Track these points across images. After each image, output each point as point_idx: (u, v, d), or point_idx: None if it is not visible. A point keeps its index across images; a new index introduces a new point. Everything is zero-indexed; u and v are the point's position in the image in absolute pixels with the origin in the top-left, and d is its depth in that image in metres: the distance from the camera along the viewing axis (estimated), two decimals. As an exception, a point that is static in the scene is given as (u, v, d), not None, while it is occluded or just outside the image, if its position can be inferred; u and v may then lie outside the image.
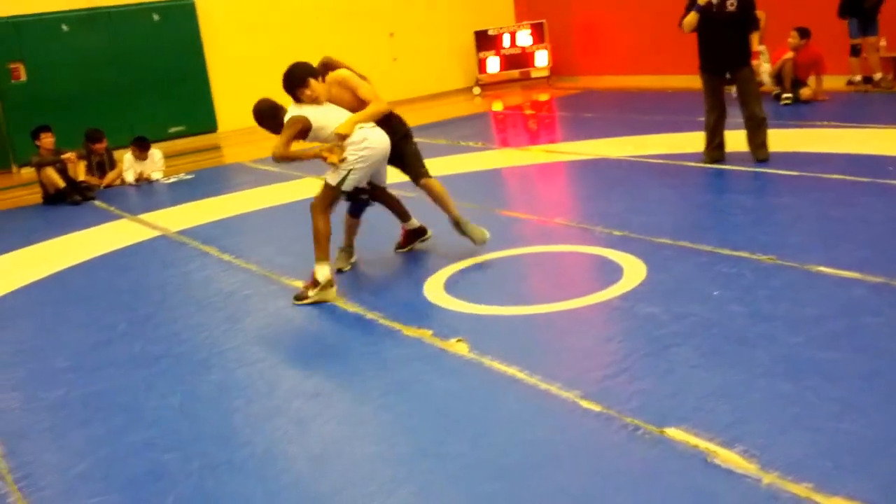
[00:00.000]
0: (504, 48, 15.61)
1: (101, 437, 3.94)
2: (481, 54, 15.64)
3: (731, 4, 7.45)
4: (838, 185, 6.72)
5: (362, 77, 5.68)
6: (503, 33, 15.60)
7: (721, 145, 7.82)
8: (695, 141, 8.53)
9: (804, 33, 10.65)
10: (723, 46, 7.52)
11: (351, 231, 6.03)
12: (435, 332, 4.65)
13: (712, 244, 5.51)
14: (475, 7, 16.14)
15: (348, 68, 5.67)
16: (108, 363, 4.83)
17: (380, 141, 5.51)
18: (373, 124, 5.52)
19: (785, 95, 10.70)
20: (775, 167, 7.40)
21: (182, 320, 5.43)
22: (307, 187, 8.93)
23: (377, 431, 3.71)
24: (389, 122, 5.75)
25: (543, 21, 15.47)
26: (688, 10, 7.62)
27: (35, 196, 10.19)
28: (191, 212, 8.57)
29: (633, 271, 5.20)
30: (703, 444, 3.24)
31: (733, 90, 8.02)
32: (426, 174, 5.89)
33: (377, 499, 3.18)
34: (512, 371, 4.06)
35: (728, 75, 7.72)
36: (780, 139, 7.91)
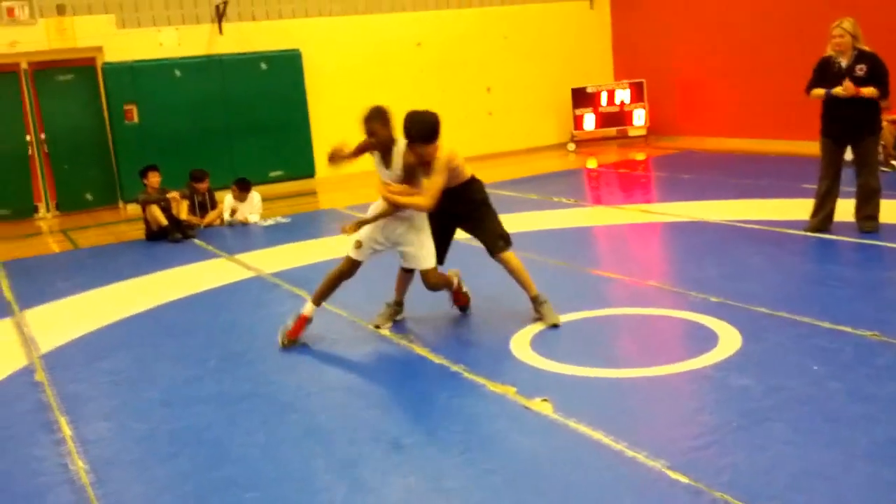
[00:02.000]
0: (601, 106, 15.59)
1: (186, 472, 4.01)
2: (578, 111, 15.65)
3: (861, 69, 7.11)
4: (948, 262, 6.44)
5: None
6: (601, 91, 15.59)
7: (830, 216, 7.52)
8: (797, 208, 8.33)
9: None
10: (848, 114, 7.21)
11: (401, 286, 5.98)
12: (519, 389, 4.60)
13: (812, 316, 5.33)
14: (573, 64, 16.21)
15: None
16: (197, 399, 4.93)
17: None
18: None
19: (892, 162, 10.36)
20: (882, 239, 7.14)
21: (270, 361, 5.52)
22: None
23: (458, 487, 3.67)
24: (470, 186, 5.75)
25: (643, 80, 15.42)
26: (815, 75, 7.36)
27: (139, 232, 10.59)
28: (285, 254, 8.76)
29: (728, 340, 5.06)
30: (797, 526, 3.11)
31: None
32: (504, 247, 5.74)
33: (454, 557, 3.13)
34: (597, 435, 3.98)
35: (850, 145, 7.44)
36: (889, 210, 7.63)
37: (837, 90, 7.13)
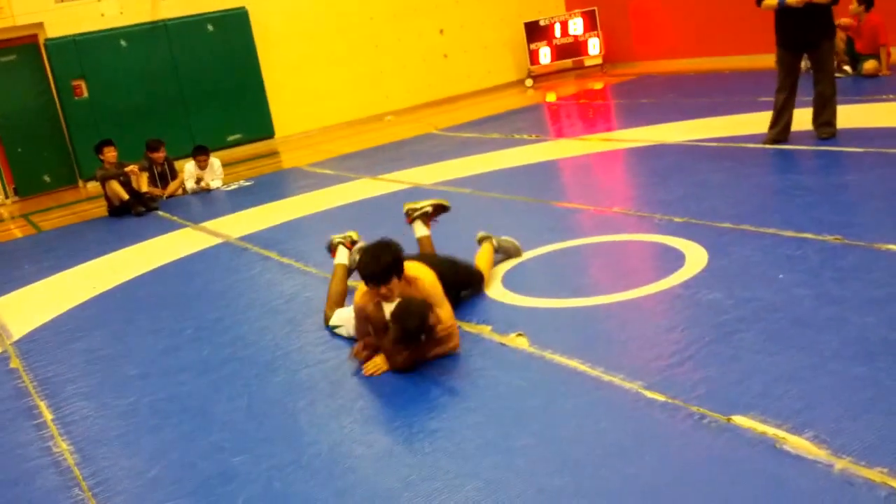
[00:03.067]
0: (556, 38, 15.49)
1: (172, 442, 4.02)
2: (532, 45, 15.54)
3: None
4: (906, 160, 6.53)
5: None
6: (554, 23, 15.48)
7: (787, 127, 7.56)
8: (754, 122, 8.37)
9: (867, 3, 10.33)
10: (803, 22, 7.17)
11: None
12: (494, 327, 4.65)
13: (775, 226, 5.39)
14: (525, -2, 16.06)
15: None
16: (176, 369, 4.93)
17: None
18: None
19: (845, 67, 10.42)
20: (839, 145, 7.21)
21: (247, 324, 5.52)
22: (364, 188, 9.02)
23: (441, 427, 3.72)
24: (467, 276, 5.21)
25: (595, 8, 15.31)
26: None
27: (101, 209, 10.47)
28: (251, 218, 8.70)
29: (695, 258, 5.12)
30: (772, 430, 3.18)
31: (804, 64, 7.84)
32: (480, 282, 5.25)
33: (444, 494, 3.19)
34: (574, 364, 4.03)
35: (807, 53, 7.48)
36: (843, 115, 7.69)
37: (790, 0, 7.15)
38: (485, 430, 3.61)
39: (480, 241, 5.64)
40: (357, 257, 4.93)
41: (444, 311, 4.41)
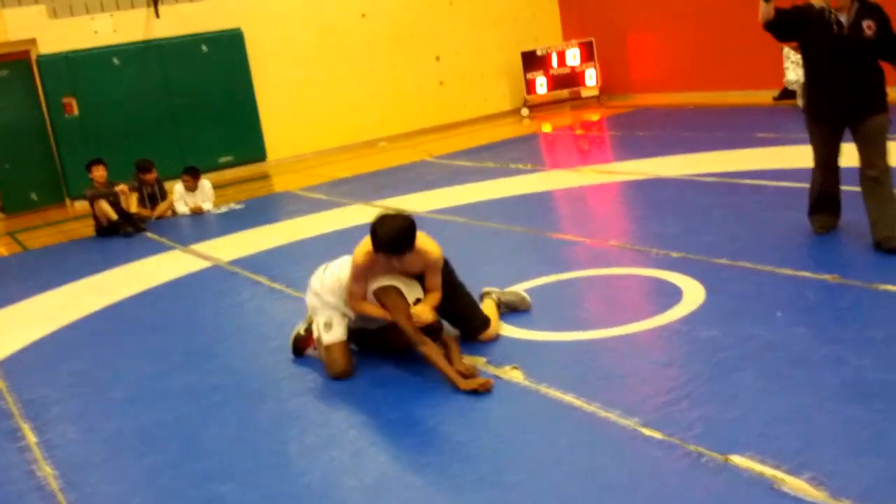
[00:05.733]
0: (553, 68, 15.54)
1: (159, 469, 3.94)
2: (529, 75, 15.59)
3: (869, 27, 5.25)
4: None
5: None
6: (551, 53, 15.54)
7: (832, 213, 5.86)
8: (752, 158, 8.39)
9: None
10: (848, 87, 5.35)
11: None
12: (489, 359, 4.59)
13: (772, 264, 5.37)
14: (522, 27, 16.12)
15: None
16: (164, 394, 4.85)
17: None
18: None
19: None
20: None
21: (235, 350, 5.44)
22: (355, 214, 8.97)
23: (434, 461, 3.65)
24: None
25: (592, 39, 15.39)
26: (786, 19, 5.49)
27: (88, 229, 10.37)
28: (241, 241, 8.63)
29: (692, 294, 5.08)
30: (770, 471, 3.14)
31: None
32: (484, 326, 4.90)
33: (436, 532, 3.12)
34: (569, 398, 3.98)
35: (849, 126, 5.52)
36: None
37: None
38: (478, 465, 3.55)
39: (482, 297, 5.25)
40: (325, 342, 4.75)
41: (436, 280, 4.58)
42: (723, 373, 4.01)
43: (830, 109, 5.49)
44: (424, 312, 4.42)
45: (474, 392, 4.18)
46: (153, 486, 3.78)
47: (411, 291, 4.57)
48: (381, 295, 4.56)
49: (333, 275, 4.82)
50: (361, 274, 4.58)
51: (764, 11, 5.41)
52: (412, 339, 4.45)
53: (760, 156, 7.93)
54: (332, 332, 4.72)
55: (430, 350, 4.39)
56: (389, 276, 4.58)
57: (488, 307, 5.10)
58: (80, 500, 3.74)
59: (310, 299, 4.92)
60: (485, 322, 4.90)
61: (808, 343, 4.20)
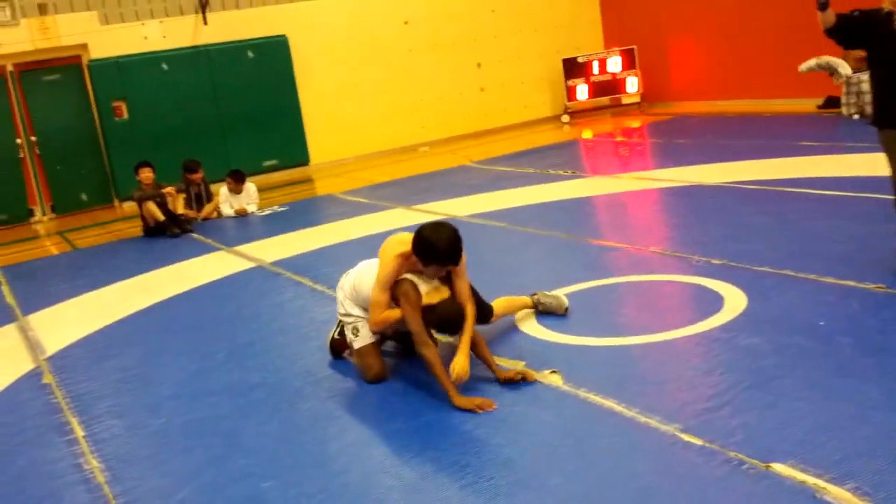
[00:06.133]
0: (594, 75, 15.50)
1: (201, 465, 4.01)
2: (570, 82, 15.57)
3: None
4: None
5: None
6: (592, 60, 15.50)
7: None
8: (796, 167, 8.30)
9: None
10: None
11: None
12: (528, 363, 4.60)
13: (816, 272, 5.32)
14: (564, 35, 16.12)
15: None
16: (208, 391, 4.93)
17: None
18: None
19: None
20: (884, 192, 7.10)
21: (277, 350, 5.51)
22: (397, 218, 9.03)
23: (472, 463, 3.67)
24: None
25: (634, 47, 15.33)
26: (847, 24, 5.23)
27: (136, 229, 10.56)
28: (285, 243, 8.74)
29: (733, 301, 5.05)
30: (812, 480, 3.11)
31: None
32: (488, 315, 4.98)
33: (474, 532, 3.14)
34: (609, 403, 3.98)
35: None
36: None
37: None
38: (516, 468, 3.56)
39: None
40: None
41: (464, 283, 4.51)
42: (764, 380, 3.98)
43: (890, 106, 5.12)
44: (461, 366, 4.26)
45: (471, 412, 4.11)
46: (196, 481, 3.85)
47: (438, 293, 4.44)
48: (395, 287, 4.46)
49: (349, 284, 4.83)
50: (390, 280, 4.45)
51: (822, 19, 5.16)
52: (415, 338, 4.36)
53: (804, 164, 7.84)
54: (360, 335, 4.74)
55: (431, 354, 4.28)
56: (417, 278, 4.47)
57: (518, 299, 5.25)
58: (125, 493, 3.82)
59: (338, 307, 4.95)
60: (489, 311, 4.97)
61: (851, 353, 4.16)
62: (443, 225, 4.44)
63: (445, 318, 4.38)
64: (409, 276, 4.46)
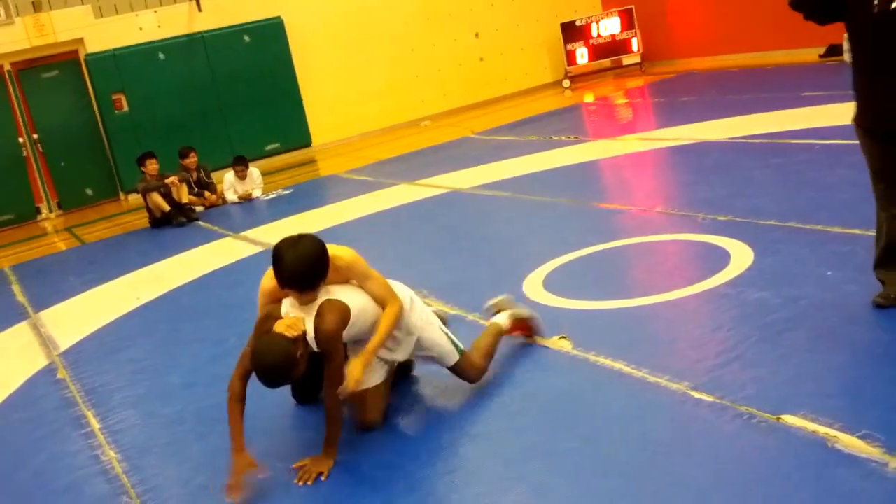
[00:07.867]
0: (593, 38, 15.36)
1: (218, 450, 4.03)
2: (569, 46, 15.43)
3: None
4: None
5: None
6: (591, 22, 15.35)
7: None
8: (799, 118, 8.23)
9: None
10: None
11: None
12: (537, 332, 4.60)
13: (822, 223, 5.29)
14: (560, -1, 15.97)
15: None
16: (221, 377, 4.91)
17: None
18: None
19: None
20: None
21: (288, 332, 5.52)
22: (402, 194, 9.02)
23: (484, 431, 3.69)
24: None
25: (632, 7, 15.16)
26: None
27: (142, 221, 10.59)
28: (291, 226, 8.72)
29: (740, 257, 5.03)
30: (823, 429, 3.11)
31: None
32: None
33: (490, 498, 3.16)
34: (618, 365, 3.98)
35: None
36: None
37: None
38: (529, 434, 3.58)
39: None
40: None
41: (373, 283, 3.75)
42: (773, 334, 3.97)
43: (886, 112, 3.86)
44: (355, 370, 3.62)
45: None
46: (213, 466, 3.88)
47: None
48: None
49: None
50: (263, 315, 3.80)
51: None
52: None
53: (807, 115, 7.77)
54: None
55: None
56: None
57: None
58: (143, 482, 3.86)
59: None
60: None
61: (859, 301, 4.13)
62: (297, 240, 3.65)
63: (258, 369, 3.57)
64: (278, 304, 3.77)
